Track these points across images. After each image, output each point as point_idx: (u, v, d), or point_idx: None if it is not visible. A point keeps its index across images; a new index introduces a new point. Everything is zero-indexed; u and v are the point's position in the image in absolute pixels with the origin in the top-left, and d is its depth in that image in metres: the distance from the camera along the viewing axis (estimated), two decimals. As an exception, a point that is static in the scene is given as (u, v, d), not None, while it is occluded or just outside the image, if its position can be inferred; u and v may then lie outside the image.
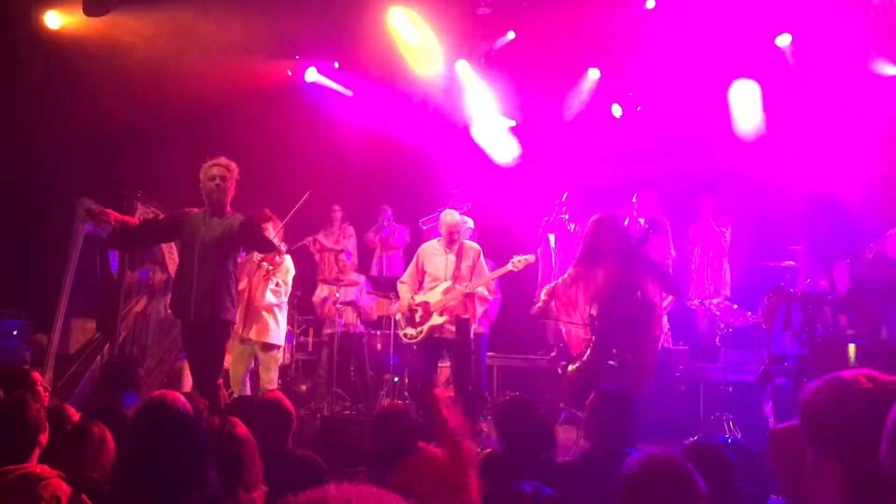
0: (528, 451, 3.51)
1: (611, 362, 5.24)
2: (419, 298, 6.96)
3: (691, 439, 5.99)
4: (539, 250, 9.02)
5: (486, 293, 6.98)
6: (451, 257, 7.00)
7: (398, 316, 7.12)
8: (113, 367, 4.91)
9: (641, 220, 7.03)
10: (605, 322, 5.35)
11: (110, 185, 7.53)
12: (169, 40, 8.11)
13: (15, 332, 7.69)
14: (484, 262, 7.12)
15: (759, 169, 8.87)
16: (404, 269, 10.11)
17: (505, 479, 3.43)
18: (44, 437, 3.22)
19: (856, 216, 5.67)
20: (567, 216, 8.94)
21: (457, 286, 6.86)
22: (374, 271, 10.09)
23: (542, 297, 5.94)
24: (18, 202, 7.98)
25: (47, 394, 5.19)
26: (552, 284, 5.96)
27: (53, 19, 8.19)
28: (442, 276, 7.00)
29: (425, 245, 7.24)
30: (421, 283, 7.13)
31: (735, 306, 6.28)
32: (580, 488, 3.06)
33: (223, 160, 5.67)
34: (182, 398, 2.96)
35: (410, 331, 6.98)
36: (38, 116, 8.10)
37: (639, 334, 5.28)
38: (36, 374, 5.23)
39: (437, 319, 6.84)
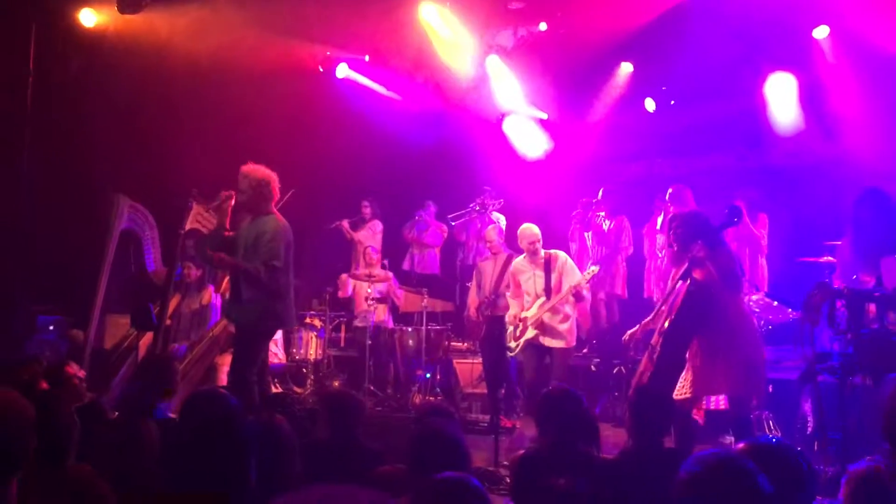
0: (568, 445, 3.47)
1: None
2: (524, 314, 6.96)
3: (729, 438, 5.91)
4: (573, 246, 8.97)
5: (584, 292, 6.89)
6: (539, 273, 6.96)
7: (510, 329, 7.14)
8: (151, 364, 4.94)
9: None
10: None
11: (147, 181, 7.61)
12: (202, 37, 8.15)
13: (51, 328, 7.79)
14: (572, 266, 7.06)
15: (794, 163, 8.74)
16: (439, 266, 10.19)
17: (542, 477, 3.40)
18: (77, 434, 3.23)
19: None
20: (603, 214, 8.86)
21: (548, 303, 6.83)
22: (405, 266, 10.10)
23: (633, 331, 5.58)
24: (56, 198, 8.06)
25: (84, 387, 5.26)
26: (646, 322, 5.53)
27: (88, 17, 8.27)
28: (533, 293, 6.96)
29: (516, 261, 7.20)
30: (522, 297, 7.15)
31: (775, 303, 6.17)
32: (623, 485, 3.02)
33: (244, 169, 5.70)
34: (228, 394, 2.96)
35: (511, 343, 7.01)
36: (75, 114, 8.18)
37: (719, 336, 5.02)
38: (71, 368, 5.29)
39: (530, 333, 6.84)
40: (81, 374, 5.01)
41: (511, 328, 7.02)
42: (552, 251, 7.10)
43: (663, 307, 5.09)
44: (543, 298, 6.86)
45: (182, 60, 8.17)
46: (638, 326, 5.43)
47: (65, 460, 3.06)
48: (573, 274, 6.92)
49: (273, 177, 5.69)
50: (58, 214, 8.00)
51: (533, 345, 6.82)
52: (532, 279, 6.98)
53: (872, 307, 4.42)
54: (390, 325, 8.91)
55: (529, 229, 7.08)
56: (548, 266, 6.94)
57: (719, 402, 5.23)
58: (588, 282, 6.82)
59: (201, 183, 6.43)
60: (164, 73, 8.17)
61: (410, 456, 3.01)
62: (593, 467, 3.20)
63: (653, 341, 5.06)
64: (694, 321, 4.81)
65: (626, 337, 5.50)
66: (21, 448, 2.49)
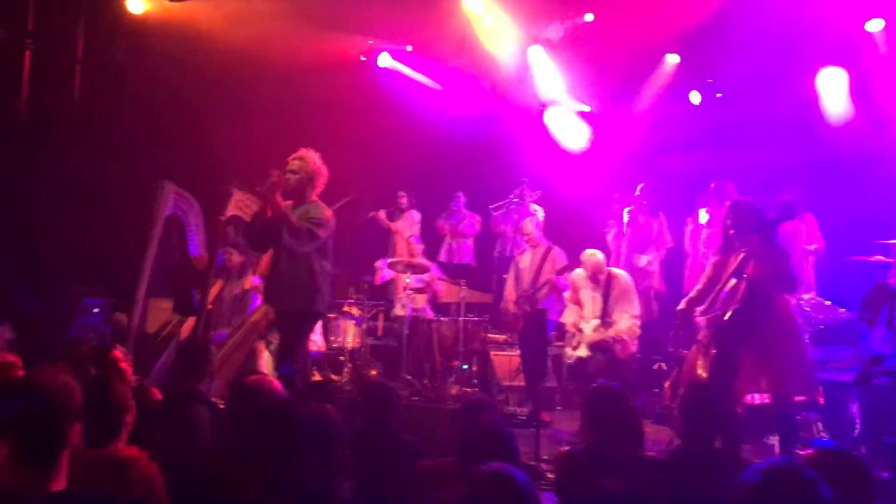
0: (616, 444, 3.42)
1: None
2: (582, 325, 6.95)
3: (773, 438, 5.81)
4: (612, 233, 8.83)
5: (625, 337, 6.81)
6: (598, 295, 6.96)
7: (569, 334, 7.15)
8: (190, 350, 4.95)
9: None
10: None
11: (191, 167, 7.67)
12: (248, 25, 8.19)
13: (96, 311, 7.88)
14: (628, 290, 7.02)
15: (844, 159, 8.54)
16: (474, 257, 10.14)
17: (588, 476, 3.36)
18: (130, 418, 3.25)
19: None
20: (628, 210, 8.68)
21: (602, 330, 6.83)
22: (442, 257, 10.08)
23: (682, 305, 5.57)
24: (102, 184, 8.16)
25: (130, 371, 5.31)
26: (693, 294, 5.55)
27: (137, 4, 8.34)
28: (590, 312, 6.96)
29: (576, 274, 7.21)
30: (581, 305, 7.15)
31: (827, 302, 6.03)
32: (675, 486, 2.97)
33: (301, 152, 5.71)
34: (278, 383, 2.97)
35: (569, 351, 7.03)
36: (122, 100, 8.26)
37: (767, 333, 4.96)
38: (118, 352, 5.35)
39: (582, 351, 6.84)
40: (125, 354, 5.07)
41: (568, 334, 7.03)
42: (614, 270, 7.06)
43: (713, 299, 5.00)
44: (598, 322, 6.84)
45: (226, 49, 8.21)
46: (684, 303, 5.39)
47: (116, 441, 3.08)
48: (627, 301, 6.89)
49: (325, 171, 5.69)
50: (104, 199, 8.09)
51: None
52: (591, 299, 6.99)
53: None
54: (429, 315, 8.89)
55: (594, 257, 7.06)
56: (607, 288, 6.93)
57: (763, 397, 5.14)
58: (628, 335, 6.76)
59: (243, 170, 6.46)
60: (208, 62, 8.22)
61: (461, 449, 2.99)
62: (642, 467, 3.15)
63: (700, 337, 4.98)
64: (754, 319, 4.72)
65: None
66: (65, 426, 2.50)
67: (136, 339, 6.98)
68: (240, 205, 6.58)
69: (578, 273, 7.16)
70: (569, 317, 7.12)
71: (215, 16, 8.29)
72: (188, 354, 4.55)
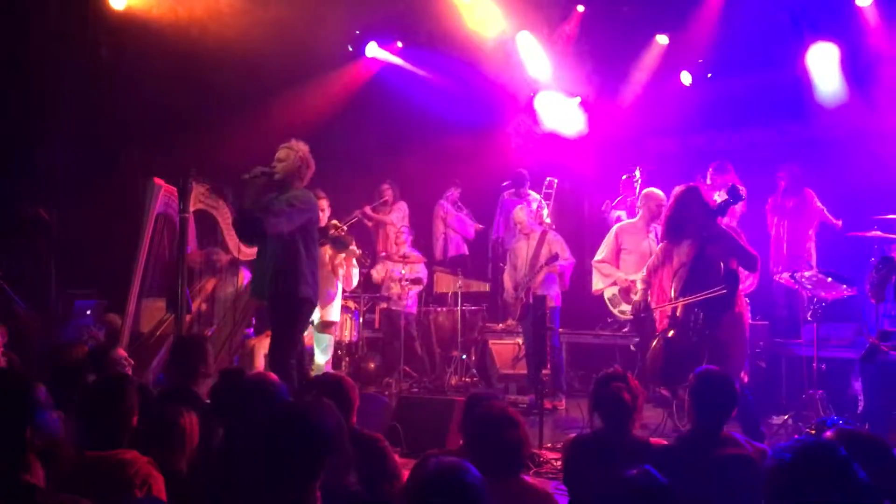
0: (624, 431, 3.37)
1: (695, 339, 5.06)
2: (632, 277, 6.78)
3: (781, 418, 5.80)
4: (613, 214, 8.79)
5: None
6: (653, 237, 6.95)
7: (609, 294, 7.04)
8: (185, 350, 4.85)
9: (717, 196, 6.76)
10: (687, 297, 5.17)
11: (178, 165, 7.57)
12: (232, 18, 8.08)
13: (88, 312, 7.79)
14: None
15: (837, 136, 8.50)
16: (467, 247, 10.06)
17: (599, 463, 3.31)
18: (134, 420, 3.19)
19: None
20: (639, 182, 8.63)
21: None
22: (436, 250, 9.98)
23: (639, 286, 5.78)
24: (90, 183, 8.06)
25: (129, 371, 5.22)
26: (644, 273, 5.76)
27: (118, 0, 8.21)
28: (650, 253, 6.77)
29: (624, 224, 7.26)
30: (617, 260, 7.11)
31: (829, 279, 5.99)
32: (681, 472, 2.91)
33: (290, 142, 5.63)
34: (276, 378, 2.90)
35: (625, 307, 6.97)
36: (108, 98, 8.15)
37: (723, 311, 5.08)
38: (121, 351, 5.26)
39: None
40: (127, 357, 5.00)
41: (621, 293, 7.04)
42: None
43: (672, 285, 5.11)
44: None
45: (210, 43, 8.10)
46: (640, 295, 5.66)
47: (120, 443, 3.02)
48: None
49: (312, 163, 5.61)
50: (93, 199, 7.99)
51: None
52: (648, 243, 6.96)
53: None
54: (425, 306, 8.84)
55: (657, 193, 7.06)
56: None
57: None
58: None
59: (236, 163, 6.36)
60: (193, 56, 8.10)
61: (471, 442, 2.95)
62: (650, 455, 3.10)
63: (659, 322, 5.11)
64: (728, 299, 4.82)
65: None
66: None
67: (130, 339, 6.93)
68: (201, 198, 6.53)
69: (628, 224, 7.23)
70: (613, 273, 7.15)
71: (198, 9, 8.17)
72: (182, 355, 4.46)
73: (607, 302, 7.33)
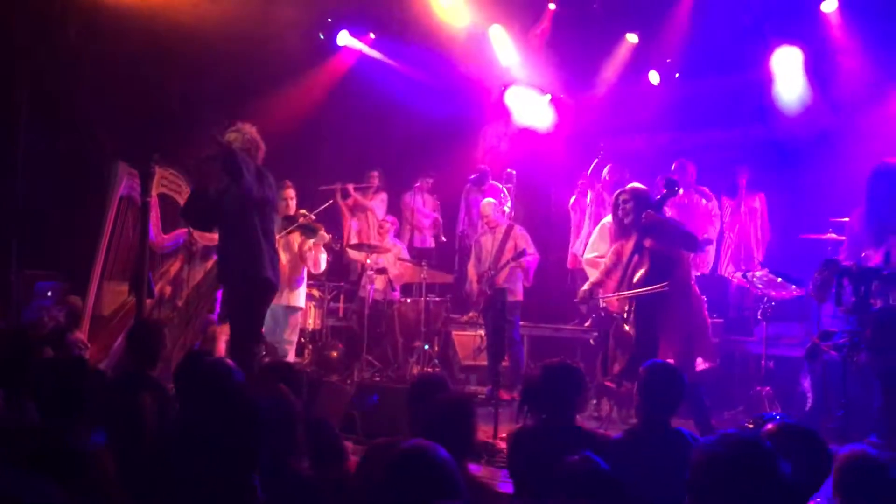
0: (568, 422, 3.46)
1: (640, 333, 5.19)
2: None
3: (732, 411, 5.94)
4: (576, 217, 8.90)
5: None
6: None
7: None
8: (138, 333, 4.84)
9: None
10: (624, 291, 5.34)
11: (145, 149, 7.53)
12: (205, 3, 8.04)
13: (49, 294, 7.73)
14: None
15: (799, 138, 8.66)
16: (432, 240, 10.08)
17: (542, 453, 3.38)
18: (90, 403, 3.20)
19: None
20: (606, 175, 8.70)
21: None
22: (404, 241, 10.01)
23: (586, 287, 5.93)
24: (55, 165, 7.99)
25: (86, 354, 5.22)
26: (597, 278, 5.90)
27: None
28: None
29: (609, 219, 7.05)
30: None
31: (779, 279, 6.15)
32: (630, 465, 3.00)
33: (238, 124, 5.62)
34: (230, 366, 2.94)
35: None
36: (75, 79, 8.06)
37: (663, 303, 5.20)
38: (78, 334, 5.25)
39: None
40: (84, 341, 5.00)
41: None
42: None
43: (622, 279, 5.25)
44: None
45: (182, 28, 8.04)
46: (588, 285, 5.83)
47: (74, 426, 3.04)
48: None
49: (262, 144, 5.59)
50: (56, 181, 7.92)
51: None
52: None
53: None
54: (392, 295, 8.88)
55: (641, 189, 7.05)
56: None
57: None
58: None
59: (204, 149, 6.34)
60: (163, 41, 8.04)
61: (415, 426, 3.00)
62: (595, 445, 3.18)
63: (616, 315, 5.24)
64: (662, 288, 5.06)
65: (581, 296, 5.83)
66: None
67: (91, 322, 6.91)
68: (164, 182, 6.52)
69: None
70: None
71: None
72: (138, 340, 4.45)
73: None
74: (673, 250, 5.29)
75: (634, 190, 5.69)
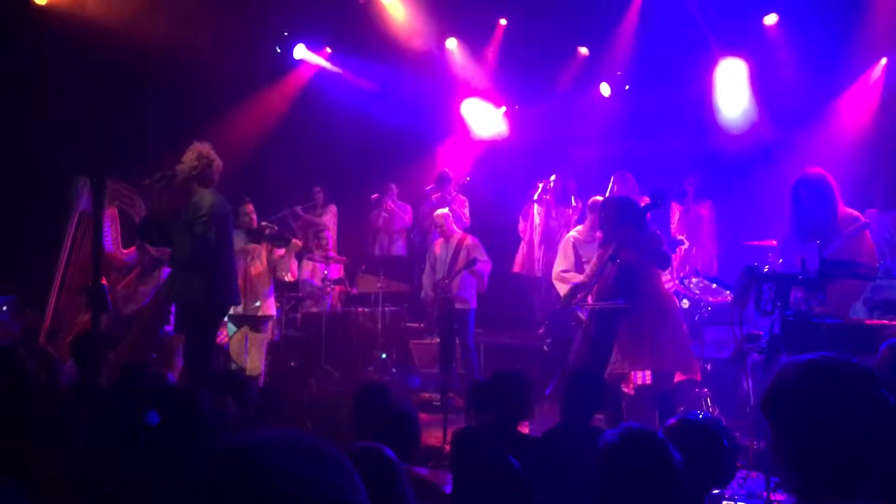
0: (505, 424, 3.63)
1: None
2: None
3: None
4: (523, 224, 9.09)
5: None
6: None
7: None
8: (80, 343, 4.91)
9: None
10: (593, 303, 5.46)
11: (101, 163, 7.58)
12: (160, 14, 8.12)
13: (4, 308, 7.75)
14: None
15: (744, 149, 8.92)
16: (406, 249, 10.18)
17: (477, 452, 3.56)
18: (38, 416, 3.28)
19: (838, 197, 5.74)
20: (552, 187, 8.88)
21: None
22: (375, 251, 10.13)
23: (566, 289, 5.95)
24: (12, 180, 8.01)
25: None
26: (582, 279, 5.93)
27: (41, -5, 8.17)
28: None
29: (576, 236, 7.11)
30: (579, 270, 7.03)
31: (714, 285, 6.39)
32: (550, 462, 3.18)
33: (194, 143, 5.69)
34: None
35: None
36: (31, 94, 8.10)
37: (645, 318, 5.28)
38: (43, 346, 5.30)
39: None
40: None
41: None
42: None
43: (598, 288, 5.36)
44: None
45: (137, 40, 8.11)
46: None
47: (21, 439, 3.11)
48: None
49: (217, 160, 5.65)
50: (14, 196, 7.94)
51: None
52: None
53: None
54: (348, 306, 9.01)
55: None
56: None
57: (646, 377, 5.54)
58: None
59: (159, 163, 6.42)
60: (118, 52, 8.10)
61: (358, 432, 3.13)
62: (521, 445, 3.36)
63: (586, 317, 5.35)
64: (629, 299, 5.09)
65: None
66: None
67: (48, 335, 6.97)
68: (116, 195, 6.60)
69: (577, 233, 7.15)
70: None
71: (125, 4, 8.18)
72: (81, 351, 4.56)
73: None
74: (643, 266, 5.34)
75: (610, 202, 5.76)
